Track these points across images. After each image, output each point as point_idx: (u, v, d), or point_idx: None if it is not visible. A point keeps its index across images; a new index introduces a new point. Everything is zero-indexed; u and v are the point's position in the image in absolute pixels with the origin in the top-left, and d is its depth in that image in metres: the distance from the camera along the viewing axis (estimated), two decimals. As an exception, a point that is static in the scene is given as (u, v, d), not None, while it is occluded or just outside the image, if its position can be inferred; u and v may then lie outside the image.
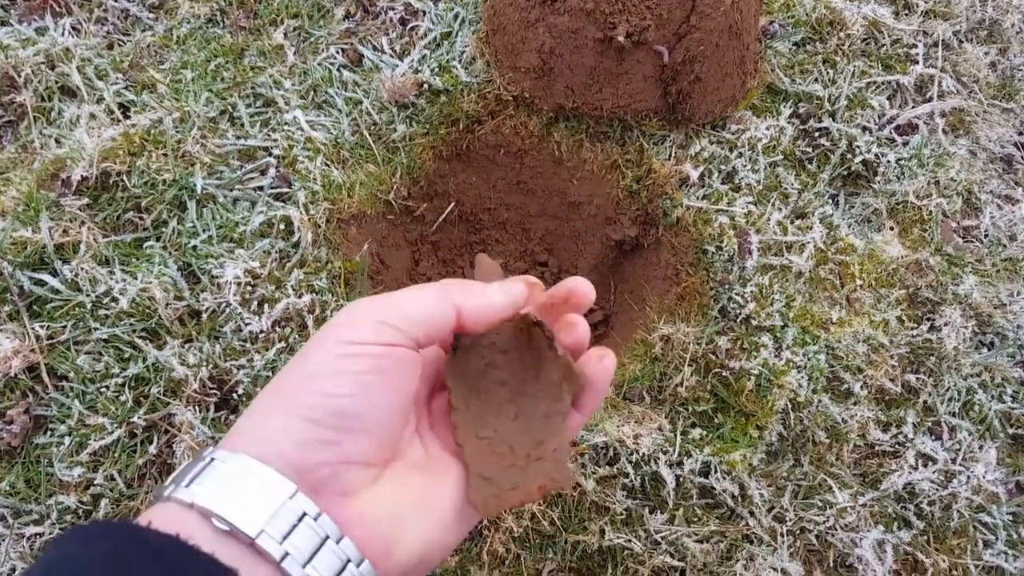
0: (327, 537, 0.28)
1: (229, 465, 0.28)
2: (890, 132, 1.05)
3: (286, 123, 0.94)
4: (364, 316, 0.32)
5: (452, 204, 1.03)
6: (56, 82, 0.96)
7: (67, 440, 0.77)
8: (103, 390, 0.79)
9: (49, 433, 0.78)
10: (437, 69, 0.98)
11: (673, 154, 0.99)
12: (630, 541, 0.79)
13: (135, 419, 0.78)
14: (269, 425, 0.30)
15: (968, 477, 0.86)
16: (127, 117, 0.93)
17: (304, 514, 0.28)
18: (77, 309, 0.82)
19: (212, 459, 0.29)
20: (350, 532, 0.29)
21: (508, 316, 0.36)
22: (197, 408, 0.80)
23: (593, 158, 1.00)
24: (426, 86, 0.97)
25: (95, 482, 0.76)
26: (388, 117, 0.96)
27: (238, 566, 0.26)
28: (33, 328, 0.81)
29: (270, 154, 0.92)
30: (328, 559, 0.28)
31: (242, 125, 0.93)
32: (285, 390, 0.31)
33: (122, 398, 0.79)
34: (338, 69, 0.98)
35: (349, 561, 0.29)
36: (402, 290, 0.34)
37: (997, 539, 0.85)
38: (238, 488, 0.28)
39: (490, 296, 0.35)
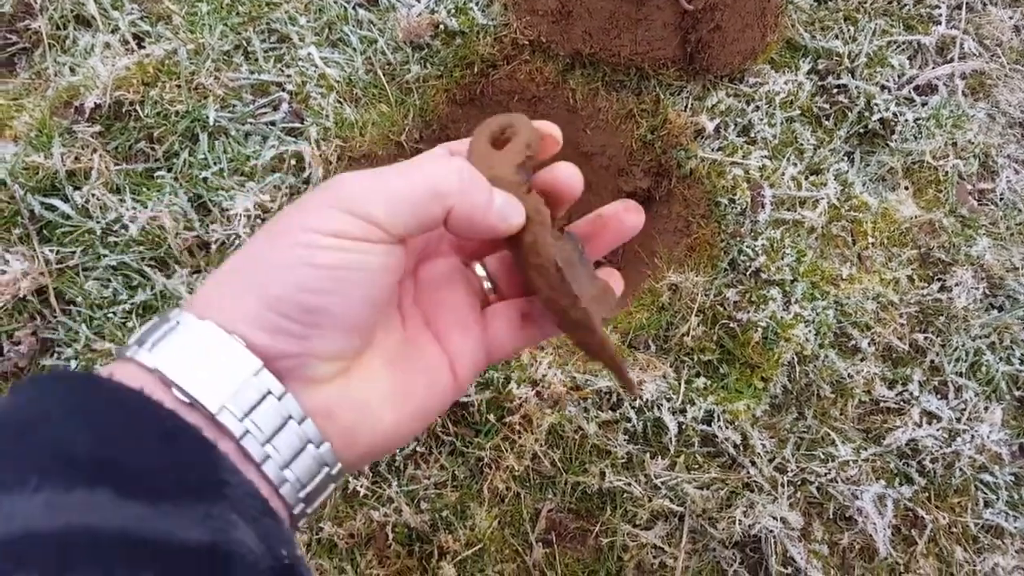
0: (289, 417, 0.25)
1: (195, 331, 0.25)
2: (909, 92, 0.97)
3: (300, 59, 0.87)
4: (337, 204, 0.26)
5: (465, 150, 0.97)
6: (71, 11, 0.90)
7: (73, 364, 0.73)
8: (110, 316, 0.75)
9: (56, 356, 0.74)
10: (454, 10, 0.91)
11: (689, 105, 0.92)
12: (630, 484, 0.74)
13: (142, 345, 0.73)
14: (237, 307, 0.25)
15: (972, 436, 0.81)
16: (141, 47, 0.87)
17: (268, 392, 0.25)
18: (87, 235, 0.77)
19: (177, 323, 0.25)
20: (313, 418, 0.26)
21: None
22: (204, 337, 0.75)
23: (608, 107, 0.93)
24: (442, 27, 0.90)
25: (101, 405, 0.72)
26: (402, 57, 0.90)
27: (200, 427, 0.23)
28: (43, 252, 0.76)
29: (283, 89, 0.85)
30: (288, 439, 0.25)
31: (256, 60, 0.87)
32: (255, 273, 0.26)
33: (129, 324, 0.74)
34: (354, 7, 0.91)
35: (310, 442, 0.25)
36: (389, 170, 0.27)
37: (998, 499, 0.80)
38: (202, 358, 0.24)
39: (484, 216, 0.28)
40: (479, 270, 0.34)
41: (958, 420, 0.82)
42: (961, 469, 0.80)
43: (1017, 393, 0.85)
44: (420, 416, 0.29)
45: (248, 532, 0.22)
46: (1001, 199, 0.95)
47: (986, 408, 0.83)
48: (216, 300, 0.26)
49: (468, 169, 0.28)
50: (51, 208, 0.78)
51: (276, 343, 0.25)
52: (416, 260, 0.32)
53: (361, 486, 0.70)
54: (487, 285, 0.34)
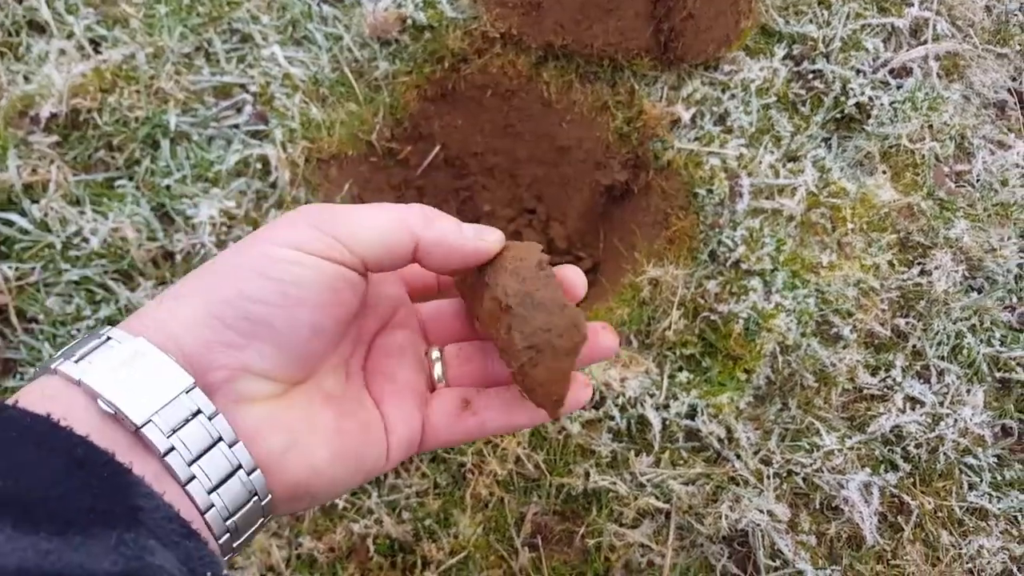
0: (220, 439, 0.23)
1: (125, 347, 0.23)
2: (884, 75, 0.96)
3: (263, 59, 0.84)
4: (306, 221, 0.26)
5: (437, 148, 0.94)
6: (24, 16, 0.86)
7: (37, 383, 0.69)
8: (74, 333, 0.71)
9: (19, 376, 0.70)
10: (421, 4, 0.87)
11: (665, 95, 0.89)
12: (615, 484, 0.72)
13: (108, 362, 0.70)
14: (177, 314, 0.24)
15: (955, 420, 0.80)
16: (98, 52, 0.83)
17: (198, 411, 0.23)
18: (47, 250, 0.74)
19: (108, 338, 0.24)
20: (242, 441, 0.25)
21: (474, 265, 0.28)
22: (173, 351, 0.72)
23: (583, 100, 0.90)
24: (410, 22, 0.87)
25: (68, 426, 0.69)
26: (370, 54, 0.86)
27: (116, 451, 0.21)
28: (1, 269, 0.73)
29: (246, 91, 0.82)
30: (217, 461, 0.23)
31: (217, 61, 0.84)
32: (205, 280, 0.25)
33: (94, 340, 0.71)
34: (318, 4, 0.88)
35: (240, 467, 0.24)
36: (361, 205, 0.28)
37: (982, 481, 0.79)
38: (131, 372, 0.23)
39: (457, 238, 0.27)
40: (435, 354, 0.32)
41: (941, 404, 0.81)
42: (945, 453, 0.79)
43: (998, 374, 0.84)
44: (354, 464, 0.27)
45: (168, 556, 0.20)
46: (978, 180, 0.93)
47: (968, 391, 0.82)
48: (152, 316, 0.24)
49: (431, 208, 0.28)
50: (8, 223, 0.74)
51: (210, 352, 0.24)
52: (377, 327, 0.31)
53: (340, 498, 0.67)
54: (437, 372, 0.32)
